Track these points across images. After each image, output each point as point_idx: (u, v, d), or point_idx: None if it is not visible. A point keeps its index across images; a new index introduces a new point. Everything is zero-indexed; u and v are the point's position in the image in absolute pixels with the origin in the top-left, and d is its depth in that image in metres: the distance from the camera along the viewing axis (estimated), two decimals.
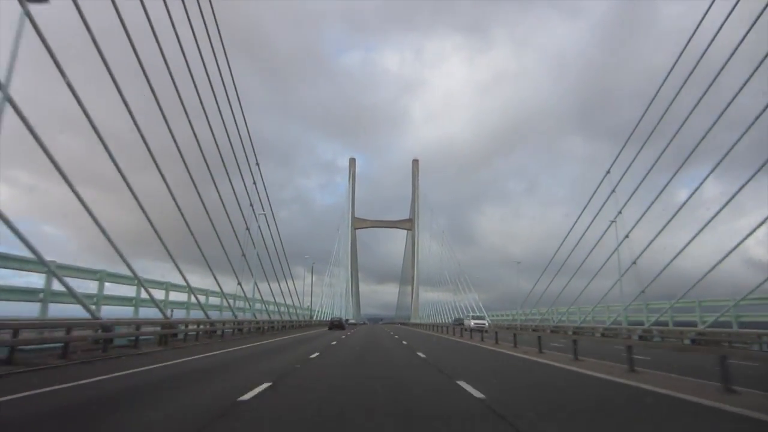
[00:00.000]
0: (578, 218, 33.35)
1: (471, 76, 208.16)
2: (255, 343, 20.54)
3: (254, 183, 32.26)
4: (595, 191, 32.25)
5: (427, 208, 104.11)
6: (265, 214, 33.87)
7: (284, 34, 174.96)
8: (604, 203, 31.14)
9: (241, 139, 29.16)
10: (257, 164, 33.07)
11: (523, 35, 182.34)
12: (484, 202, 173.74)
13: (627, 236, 29.32)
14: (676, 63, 24.92)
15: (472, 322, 44.90)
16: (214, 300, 26.82)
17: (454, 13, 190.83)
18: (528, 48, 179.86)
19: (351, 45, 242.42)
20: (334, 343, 22.35)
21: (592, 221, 31.59)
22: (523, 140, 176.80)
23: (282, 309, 40.81)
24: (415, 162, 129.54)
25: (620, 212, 30.35)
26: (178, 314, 21.70)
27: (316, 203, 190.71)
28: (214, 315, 26.24)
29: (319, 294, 78.63)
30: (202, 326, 21.72)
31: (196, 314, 22.97)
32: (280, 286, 38.60)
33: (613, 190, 31.21)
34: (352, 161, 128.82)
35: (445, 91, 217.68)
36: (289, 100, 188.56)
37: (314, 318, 65.32)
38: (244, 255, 28.80)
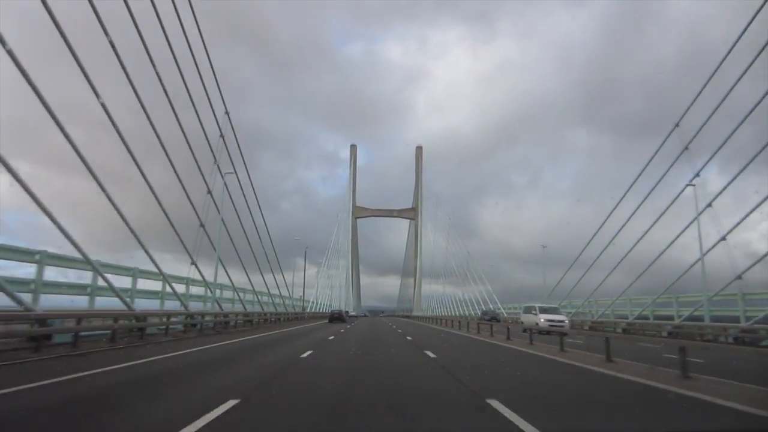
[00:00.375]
0: (631, 186, 26.51)
1: (475, 66, 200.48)
2: (182, 352, 13.16)
3: (221, 136, 25.10)
4: (661, 145, 25.07)
5: (431, 196, 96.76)
6: (235, 173, 26.59)
7: (286, 23, 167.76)
8: (676, 160, 23.89)
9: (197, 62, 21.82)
10: (227, 114, 25.88)
11: (527, 26, 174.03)
12: (487, 194, 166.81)
13: (710, 205, 22.18)
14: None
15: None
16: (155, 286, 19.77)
17: (458, 2, 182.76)
18: (532, 38, 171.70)
19: (353, 35, 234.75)
20: (307, 355, 12.60)
21: (657, 183, 24.59)
22: (528, 131, 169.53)
23: (264, 299, 33.69)
24: (419, 149, 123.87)
25: (698, 174, 23.21)
26: (72, 303, 14.57)
27: (318, 195, 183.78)
28: (152, 306, 19.27)
29: (318, 285, 71.47)
30: (117, 322, 14.47)
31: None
32: (263, 274, 31.41)
33: (686, 147, 23.92)
34: (353, 148, 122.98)
35: (449, 82, 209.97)
36: (290, 91, 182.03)
37: (309, 310, 57.40)
38: (202, 225, 21.64)
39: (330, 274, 79.46)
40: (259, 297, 32.51)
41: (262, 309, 32.78)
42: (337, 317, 47.85)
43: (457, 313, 64.34)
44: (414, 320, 63.87)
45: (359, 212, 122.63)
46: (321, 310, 64.39)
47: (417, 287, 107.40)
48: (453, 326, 34.73)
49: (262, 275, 31.49)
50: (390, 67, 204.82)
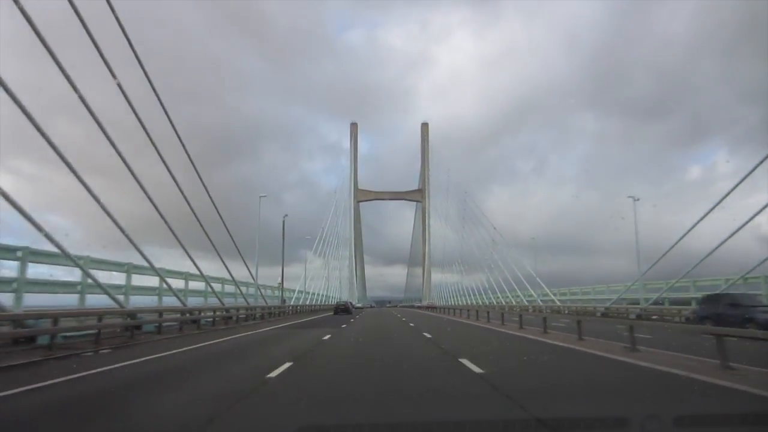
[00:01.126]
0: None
1: (480, 50, 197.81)
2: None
3: None
4: None
5: (441, 171, 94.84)
6: None
7: (285, 10, 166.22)
8: None
9: None
10: None
11: (532, 6, 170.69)
12: (493, 180, 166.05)
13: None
14: None
15: None
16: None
17: None
18: (538, 20, 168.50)
19: (354, 21, 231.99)
20: None
21: None
22: (534, 116, 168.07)
23: (203, 289, 24.74)
24: (425, 125, 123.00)
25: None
26: None
27: (322, 187, 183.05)
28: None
29: (305, 274, 63.14)
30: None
31: None
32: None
33: None
34: (354, 126, 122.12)
35: (453, 67, 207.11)
36: (291, 80, 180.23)
37: (293, 303, 47.37)
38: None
39: (329, 262, 75.39)
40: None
41: (183, 303, 23.64)
42: (342, 309, 47.61)
43: (477, 303, 60.04)
44: (439, 314, 44.62)
45: (362, 195, 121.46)
46: (318, 303, 60.21)
47: (426, 275, 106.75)
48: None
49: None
50: (392, 53, 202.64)
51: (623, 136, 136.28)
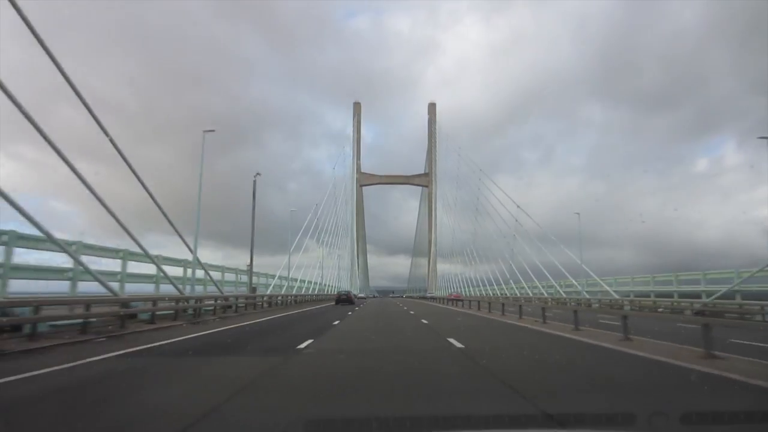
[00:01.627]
0: None
1: (488, 38, 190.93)
2: None
3: None
4: None
5: (451, 153, 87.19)
6: None
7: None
8: None
9: None
10: None
11: None
12: (499, 171, 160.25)
13: None
14: None
15: None
16: None
17: None
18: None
19: (360, 8, 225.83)
20: None
21: None
22: (541, 105, 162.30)
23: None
24: (432, 105, 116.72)
25: None
26: None
27: (325, 174, 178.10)
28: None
29: (313, 263, 58.59)
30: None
31: None
32: None
33: None
34: (357, 106, 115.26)
35: (460, 55, 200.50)
36: (291, 67, 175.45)
37: (272, 293, 35.33)
38: None
39: (324, 247, 66.37)
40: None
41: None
42: (344, 299, 46.00)
43: (495, 294, 51.72)
44: (464, 309, 32.80)
45: (365, 179, 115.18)
46: (312, 292, 52.75)
47: (432, 263, 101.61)
48: None
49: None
50: (398, 40, 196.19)
51: (632, 127, 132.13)
